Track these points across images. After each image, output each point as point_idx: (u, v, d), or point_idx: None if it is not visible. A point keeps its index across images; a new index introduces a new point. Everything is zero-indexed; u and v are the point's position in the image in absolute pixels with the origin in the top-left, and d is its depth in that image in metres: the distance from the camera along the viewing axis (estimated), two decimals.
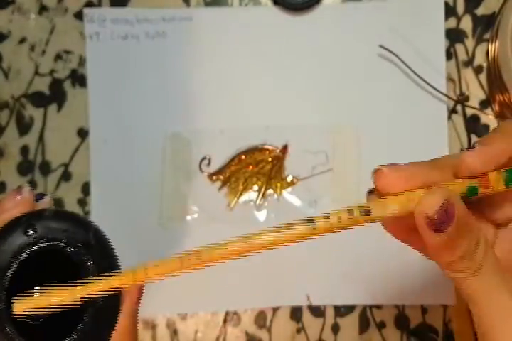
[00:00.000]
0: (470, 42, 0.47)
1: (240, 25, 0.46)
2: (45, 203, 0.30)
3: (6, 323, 0.26)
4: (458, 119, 0.47)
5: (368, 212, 0.22)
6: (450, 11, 0.46)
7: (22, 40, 0.47)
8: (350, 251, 0.45)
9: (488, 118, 0.46)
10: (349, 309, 0.46)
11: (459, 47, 0.47)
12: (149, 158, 0.46)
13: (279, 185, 0.46)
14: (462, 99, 0.46)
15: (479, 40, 0.47)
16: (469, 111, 0.47)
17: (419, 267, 0.45)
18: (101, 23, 0.46)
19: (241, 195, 0.46)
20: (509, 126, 0.23)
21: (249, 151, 0.46)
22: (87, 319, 0.27)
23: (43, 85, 0.47)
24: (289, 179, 0.46)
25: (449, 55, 0.46)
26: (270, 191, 0.46)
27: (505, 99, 0.44)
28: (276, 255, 0.45)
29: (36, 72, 0.47)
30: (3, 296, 0.26)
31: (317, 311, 0.46)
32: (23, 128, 0.47)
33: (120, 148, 0.46)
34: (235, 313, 0.46)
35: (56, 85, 0.47)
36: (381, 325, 0.46)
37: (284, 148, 0.46)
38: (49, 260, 0.28)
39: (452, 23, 0.47)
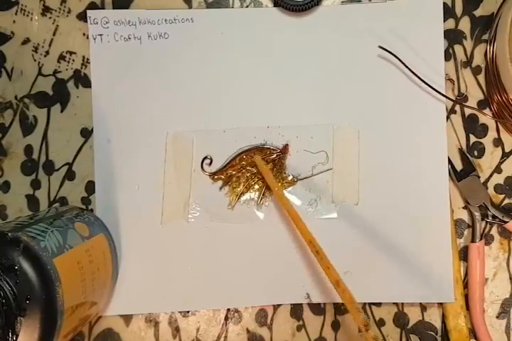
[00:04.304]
0: (468, 43, 0.47)
1: (240, 26, 0.47)
2: None
3: None
4: (457, 119, 0.47)
5: None
6: (449, 12, 0.47)
7: (25, 41, 0.48)
8: (350, 249, 0.45)
9: (487, 118, 0.46)
10: None
11: (458, 48, 0.47)
12: (152, 158, 0.46)
13: (279, 184, 0.46)
14: (461, 100, 0.47)
15: (478, 41, 0.47)
16: (468, 112, 0.47)
17: (419, 265, 0.45)
18: (104, 24, 0.47)
19: (242, 194, 0.46)
20: None
21: (250, 151, 0.46)
22: None
23: (46, 85, 0.48)
24: (290, 178, 0.46)
25: (448, 55, 0.47)
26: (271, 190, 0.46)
27: (504, 99, 0.44)
28: (277, 253, 0.45)
29: (40, 73, 0.48)
30: None
31: (317, 309, 0.46)
32: (27, 128, 0.48)
33: (123, 147, 0.46)
34: (236, 311, 0.46)
35: (59, 85, 0.48)
36: (381, 323, 0.46)
37: (285, 148, 0.46)
38: None
39: (451, 24, 0.47)
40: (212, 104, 0.47)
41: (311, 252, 0.44)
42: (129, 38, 0.47)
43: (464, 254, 0.46)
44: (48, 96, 0.48)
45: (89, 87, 0.47)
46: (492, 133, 0.47)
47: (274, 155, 0.46)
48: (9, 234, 0.33)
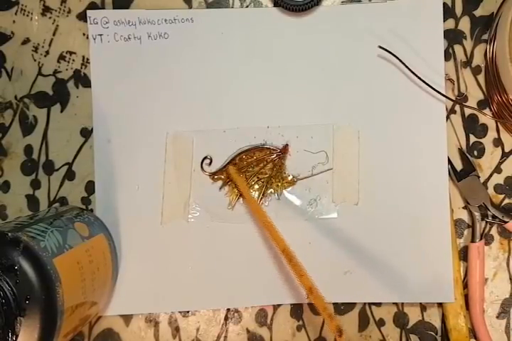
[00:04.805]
0: (468, 43, 0.47)
1: (240, 26, 0.47)
2: None
3: None
4: (456, 119, 0.47)
5: None
6: (449, 12, 0.47)
7: (25, 41, 0.48)
8: (350, 249, 0.45)
9: (487, 118, 0.46)
10: (349, 307, 0.46)
11: (458, 48, 0.47)
12: (152, 158, 0.46)
13: (279, 184, 0.46)
14: (461, 100, 0.47)
15: (478, 41, 0.47)
16: (468, 112, 0.47)
17: (419, 265, 0.45)
18: (104, 24, 0.47)
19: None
20: None
21: (250, 151, 0.46)
22: None
23: (46, 85, 0.48)
24: (290, 178, 0.46)
25: (448, 55, 0.47)
26: (271, 190, 0.46)
27: (503, 99, 0.44)
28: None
29: (39, 73, 0.48)
30: None
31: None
32: (27, 128, 0.48)
33: (123, 147, 0.46)
34: (236, 311, 0.46)
35: (59, 85, 0.48)
36: (380, 323, 0.46)
37: (285, 148, 0.46)
38: None
39: (451, 23, 0.47)
40: (212, 104, 0.47)
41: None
42: (129, 38, 0.47)
43: (463, 254, 0.46)
44: (47, 96, 0.48)
45: (89, 87, 0.47)
46: (492, 133, 0.47)
47: (274, 155, 0.46)
48: (9, 234, 0.33)
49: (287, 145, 0.46)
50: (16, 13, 0.48)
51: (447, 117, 0.47)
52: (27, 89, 0.48)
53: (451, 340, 0.45)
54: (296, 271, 0.40)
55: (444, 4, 0.46)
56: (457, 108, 0.47)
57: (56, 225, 0.38)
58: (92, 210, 0.47)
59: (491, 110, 0.46)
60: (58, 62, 0.48)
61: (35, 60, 0.48)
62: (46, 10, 0.48)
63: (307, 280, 0.39)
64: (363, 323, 0.46)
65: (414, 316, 0.46)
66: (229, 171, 0.45)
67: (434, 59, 0.46)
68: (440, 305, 0.46)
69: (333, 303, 0.46)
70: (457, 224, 0.47)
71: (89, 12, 0.47)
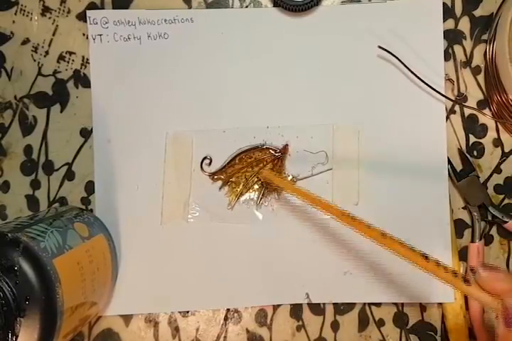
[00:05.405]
0: (468, 43, 0.47)
1: (240, 26, 0.47)
2: None
3: None
4: (456, 119, 0.47)
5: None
6: (448, 12, 0.47)
7: (25, 41, 0.48)
8: (350, 249, 0.45)
9: (486, 118, 0.46)
10: (349, 307, 0.46)
11: (458, 48, 0.47)
12: (151, 158, 0.46)
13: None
14: (460, 100, 0.47)
15: (477, 41, 0.47)
16: (467, 112, 0.47)
17: None
18: (103, 24, 0.47)
19: (241, 194, 0.46)
20: None
21: (250, 151, 0.46)
22: None
23: (46, 86, 0.48)
24: (289, 179, 0.46)
25: (448, 55, 0.47)
26: None
27: (503, 99, 0.44)
28: (276, 253, 0.45)
29: (39, 73, 0.48)
30: None
31: (317, 309, 0.46)
32: (27, 128, 0.47)
33: (123, 147, 0.46)
34: (236, 311, 0.46)
35: (59, 86, 0.48)
36: (380, 323, 0.46)
37: (285, 148, 0.46)
38: None
39: (450, 24, 0.47)
40: (212, 104, 0.47)
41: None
42: (129, 38, 0.47)
43: (463, 254, 0.46)
44: (47, 97, 0.48)
45: (89, 87, 0.47)
46: (492, 134, 0.47)
47: (274, 155, 0.46)
48: (9, 234, 0.33)
49: (287, 145, 0.46)
50: (15, 13, 0.48)
51: (447, 117, 0.47)
52: (27, 89, 0.48)
53: (451, 340, 0.45)
54: (360, 226, 0.38)
55: (444, 4, 0.46)
56: (457, 108, 0.47)
57: (56, 225, 0.38)
58: (91, 210, 0.47)
59: (490, 110, 0.47)
60: (58, 62, 0.48)
61: (34, 60, 0.48)
62: (46, 10, 0.48)
63: (374, 230, 0.38)
64: (363, 323, 0.46)
65: (414, 316, 0.46)
66: (264, 174, 0.45)
67: (433, 59, 0.46)
68: (440, 305, 0.46)
69: (333, 303, 0.46)
70: (457, 224, 0.47)
71: (88, 12, 0.47)
